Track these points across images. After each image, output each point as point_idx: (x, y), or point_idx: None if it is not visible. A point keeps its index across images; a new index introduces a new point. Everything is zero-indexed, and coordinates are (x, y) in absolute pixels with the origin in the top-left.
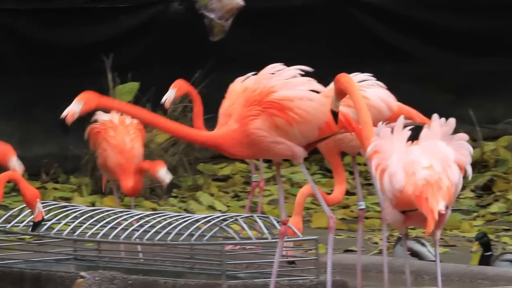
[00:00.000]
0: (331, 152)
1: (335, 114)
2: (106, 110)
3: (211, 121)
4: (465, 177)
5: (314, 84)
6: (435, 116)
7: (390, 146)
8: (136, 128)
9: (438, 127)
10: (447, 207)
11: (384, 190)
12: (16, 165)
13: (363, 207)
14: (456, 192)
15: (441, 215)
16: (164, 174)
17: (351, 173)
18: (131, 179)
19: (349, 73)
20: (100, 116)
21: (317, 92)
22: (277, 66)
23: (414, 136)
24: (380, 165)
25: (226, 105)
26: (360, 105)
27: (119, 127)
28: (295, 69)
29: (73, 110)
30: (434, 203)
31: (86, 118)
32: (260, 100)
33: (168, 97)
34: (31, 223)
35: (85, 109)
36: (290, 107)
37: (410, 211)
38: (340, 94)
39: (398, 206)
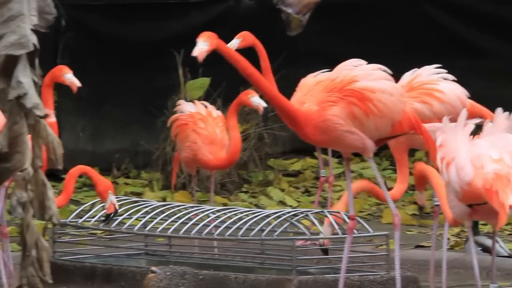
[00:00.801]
0: (399, 149)
1: (421, 208)
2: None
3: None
4: None
5: (392, 81)
6: (499, 110)
7: (453, 139)
8: (223, 121)
9: (503, 120)
10: None
11: (450, 183)
12: (72, 80)
13: (438, 203)
14: None
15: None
16: (258, 100)
17: None
18: (223, 152)
19: (420, 67)
20: (185, 107)
21: None
22: (357, 61)
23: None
24: (445, 158)
25: (297, 96)
26: (439, 187)
27: (208, 119)
28: (375, 66)
29: (202, 48)
30: (505, 197)
31: (157, 114)
32: (341, 88)
33: (232, 46)
34: (103, 218)
35: (211, 49)
36: (370, 98)
37: (477, 204)
38: (420, 183)
39: (465, 200)
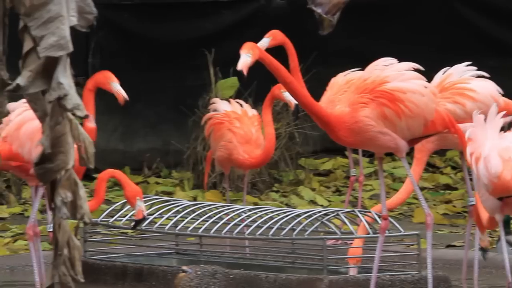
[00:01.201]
0: (423, 148)
1: (483, 250)
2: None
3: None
4: None
5: (424, 81)
6: None
7: (483, 134)
8: (258, 120)
9: None
10: None
11: (479, 177)
12: (118, 89)
13: (473, 203)
14: None
15: None
16: (290, 96)
17: (454, 168)
18: (258, 151)
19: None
20: (220, 106)
21: None
22: (388, 60)
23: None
24: (474, 153)
25: (328, 95)
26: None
27: (244, 118)
28: (407, 64)
29: (246, 61)
30: None
31: (188, 113)
32: (372, 89)
33: (262, 45)
34: (134, 218)
35: (254, 60)
36: (401, 99)
37: (508, 197)
38: (482, 224)
39: (495, 193)
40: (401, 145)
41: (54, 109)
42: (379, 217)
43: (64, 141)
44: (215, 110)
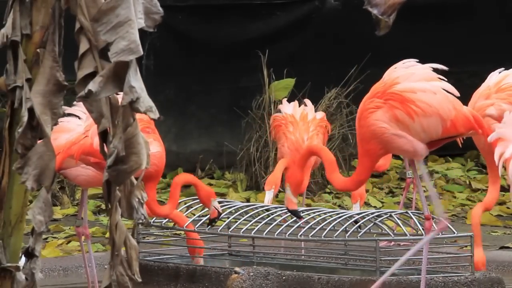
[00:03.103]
0: (488, 150)
1: None
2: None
3: None
4: None
5: (443, 82)
6: None
7: None
8: (317, 124)
9: None
10: None
11: (510, 179)
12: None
13: None
14: None
15: None
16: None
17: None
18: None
19: (507, 68)
20: (284, 108)
21: (451, 93)
22: (409, 62)
23: None
24: (505, 153)
25: None
26: None
27: (299, 123)
28: (428, 66)
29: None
30: None
31: (241, 114)
32: (382, 92)
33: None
34: (207, 222)
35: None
36: (412, 100)
37: None
38: None
39: None
40: (419, 148)
41: (124, 111)
42: (433, 218)
43: (136, 141)
44: (279, 112)
